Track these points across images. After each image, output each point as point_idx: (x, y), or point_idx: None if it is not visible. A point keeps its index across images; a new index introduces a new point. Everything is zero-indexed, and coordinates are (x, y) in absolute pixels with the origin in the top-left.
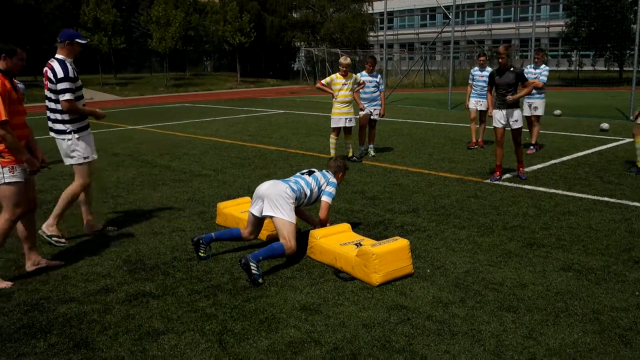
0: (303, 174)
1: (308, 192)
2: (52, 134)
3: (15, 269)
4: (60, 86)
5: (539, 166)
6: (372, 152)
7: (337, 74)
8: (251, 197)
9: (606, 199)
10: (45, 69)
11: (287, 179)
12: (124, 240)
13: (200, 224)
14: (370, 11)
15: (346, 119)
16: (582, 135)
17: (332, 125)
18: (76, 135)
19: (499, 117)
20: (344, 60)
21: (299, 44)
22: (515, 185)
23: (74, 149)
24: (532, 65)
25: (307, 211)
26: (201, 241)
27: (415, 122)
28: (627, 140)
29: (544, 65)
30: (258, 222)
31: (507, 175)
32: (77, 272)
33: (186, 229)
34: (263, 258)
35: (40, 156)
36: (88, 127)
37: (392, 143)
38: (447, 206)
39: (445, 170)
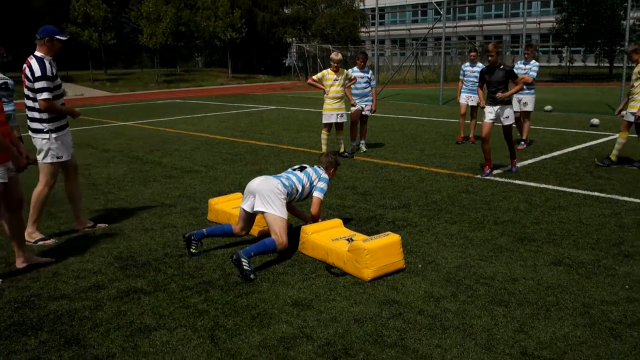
0: (295, 169)
1: (300, 188)
2: (29, 132)
3: (6, 266)
4: (38, 85)
5: (530, 161)
6: (363, 148)
7: (329, 69)
8: (242, 193)
9: (596, 193)
10: (24, 66)
11: (279, 174)
12: (115, 237)
13: (191, 220)
14: (361, 7)
15: (338, 114)
16: (573, 130)
17: (324, 121)
18: (54, 135)
19: (489, 111)
20: (335, 56)
21: (290, 39)
22: (506, 180)
23: (49, 147)
24: (522, 61)
25: (298, 207)
26: (192, 237)
27: (407, 117)
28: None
29: (533, 61)
30: (249, 217)
31: (498, 171)
32: (68, 269)
33: (177, 225)
34: (255, 254)
35: (24, 153)
36: (66, 126)
37: (384, 139)
38: (439, 201)
39: (436, 165)
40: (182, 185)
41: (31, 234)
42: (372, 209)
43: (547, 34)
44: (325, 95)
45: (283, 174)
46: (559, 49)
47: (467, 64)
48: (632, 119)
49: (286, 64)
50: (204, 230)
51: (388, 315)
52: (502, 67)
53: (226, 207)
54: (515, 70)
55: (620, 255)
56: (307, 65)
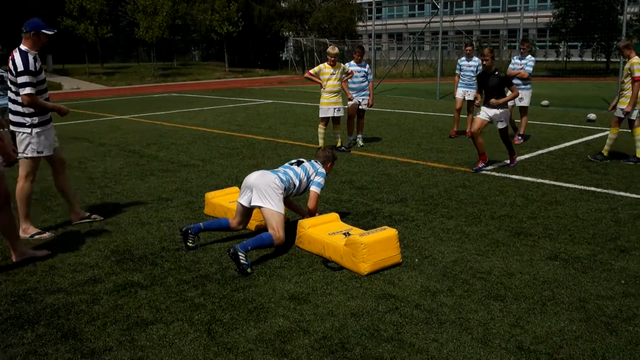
0: (292, 164)
1: (297, 183)
2: (11, 125)
3: (2, 259)
4: (20, 80)
5: (527, 156)
6: (360, 142)
7: (326, 63)
8: (239, 187)
9: (593, 188)
10: (9, 58)
11: (276, 169)
12: (111, 231)
13: (188, 214)
14: (358, 1)
15: (335, 108)
16: (570, 125)
17: (321, 115)
18: (36, 130)
19: (484, 111)
20: (332, 50)
21: (287, 33)
22: (503, 175)
23: (29, 141)
24: (518, 56)
25: (295, 201)
26: (189, 231)
27: (404, 112)
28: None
29: (529, 56)
30: (247, 212)
31: (495, 165)
32: (65, 262)
33: (174, 219)
34: (252, 248)
35: (10, 147)
36: (49, 121)
37: (381, 133)
38: (435, 196)
39: (433, 160)
40: (178, 179)
41: (26, 230)
42: (369, 203)
43: (544, 29)
44: (322, 89)
45: (280, 168)
46: (556, 43)
47: (463, 58)
48: (622, 114)
49: (283, 58)
50: (201, 224)
51: (384, 310)
52: (497, 72)
53: (223, 201)
54: (511, 66)
55: (616, 250)
56: (304, 59)
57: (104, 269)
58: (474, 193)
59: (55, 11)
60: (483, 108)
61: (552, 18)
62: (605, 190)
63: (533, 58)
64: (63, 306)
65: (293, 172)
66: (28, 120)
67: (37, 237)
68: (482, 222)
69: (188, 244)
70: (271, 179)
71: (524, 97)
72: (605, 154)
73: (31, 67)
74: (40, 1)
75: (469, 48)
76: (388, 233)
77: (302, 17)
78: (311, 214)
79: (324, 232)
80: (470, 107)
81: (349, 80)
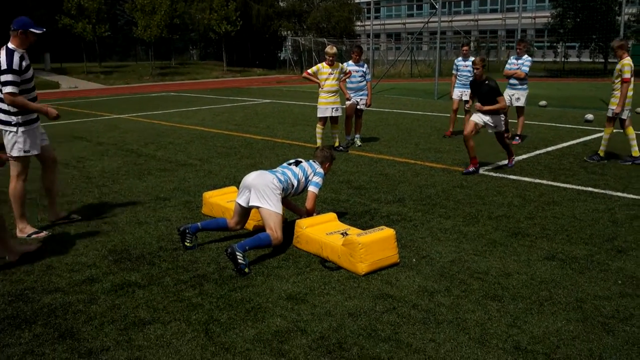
0: (290, 164)
1: (295, 183)
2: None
3: None
4: (3, 78)
5: (524, 156)
6: (358, 142)
7: (324, 63)
8: (237, 186)
9: (590, 189)
10: None
11: (274, 169)
12: (109, 230)
13: (186, 213)
14: (357, 0)
15: (333, 108)
16: (567, 126)
17: (319, 115)
18: (22, 128)
19: (478, 115)
20: (330, 49)
21: (285, 33)
22: (500, 175)
23: (16, 140)
24: (515, 56)
25: (293, 201)
26: (187, 231)
27: (402, 112)
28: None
29: (526, 56)
30: (245, 212)
31: (492, 166)
32: (62, 262)
33: (172, 218)
34: (249, 248)
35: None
36: (36, 120)
37: (379, 133)
38: (433, 196)
39: (431, 160)
40: (176, 179)
41: (23, 229)
42: (367, 203)
43: (542, 29)
44: (320, 89)
45: (278, 168)
46: (554, 44)
47: (460, 58)
48: (612, 114)
49: (281, 58)
50: (199, 223)
51: (382, 310)
52: (487, 82)
53: (221, 201)
54: (508, 66)
55: (614, 250)
56: (302, 59)
57: (101, 268)
58: (471, 193)
59: (53, 10)
60: (478, 113)
61: (550, 18)
62: (602, 191)
63: (529, 58)
64: (60, 306)
65: (291, 172)
66: (14, 119)
67: (34, 236)
68: (480, 222)
69: (186, 243)
70: (269, 179)
71: (521, 97)
72: (602, 154)
73: (15, 66)
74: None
75: (465, 48)
76: (386, 233)
77: (301, 17)
78: (309, 213)
79: (321, 232)
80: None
81: (347, 80)
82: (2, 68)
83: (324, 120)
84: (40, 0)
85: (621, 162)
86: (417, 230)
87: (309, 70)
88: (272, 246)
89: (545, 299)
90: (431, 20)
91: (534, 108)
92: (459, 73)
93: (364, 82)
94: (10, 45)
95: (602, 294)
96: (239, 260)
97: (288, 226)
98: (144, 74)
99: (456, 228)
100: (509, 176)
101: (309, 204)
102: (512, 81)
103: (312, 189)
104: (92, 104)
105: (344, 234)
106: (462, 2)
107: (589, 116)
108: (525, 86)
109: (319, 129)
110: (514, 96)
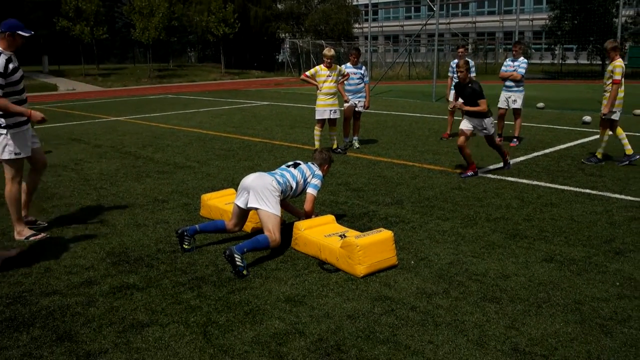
0: (289, 166)
1: (294, 185)
2: None
3: None
4: None
5: (522, 158)
6: (356, 144)
7: (322, 65)
8: (235, 189)
9: (588, 190)
10: None
11: (273, 171)
12: (107, 233)
13: (184, 215)
14: (354, 3)
15: (331, 110)
16: (565, 128)
17: (317, 117)
18: (11, 131)
19: (466, 120)
20: (328, 51)
21: (283, 35)
22: (498, 177)
23: (6, 143)
24: (511, 58)
25: (292, 203)
26: (185, 233)
27: (400, 114)
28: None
29: (522, 58)
30: (243, 214)
31: (490, 167)
32: (60, 264)
33: (170, 221)
34: (247, 250)
35: None
36: (26, 123)
37: (377, 135)
38: (431, 198)
39: (429, 162)
40: (174, 181)
41: (21, 232)
42: (365, 205)
43: (540, 31)
44: (318, 91)
45: (277, 170)
46: (552, 46)
47: (456, 60)
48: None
49: (279, 60)
50: (197, 226)
51: (380, 312)
52: (470, 84)
53: (219, 203)
54: (504, 68)
55: (611, 252)
56: (300, 61)
57: (99, 270)
58: (469, 195)
59: (51, 12)
60: (465, 117)
61: (547, 20)
62: (600, 193)
63: (526, 60)
64: (58, 308)
65: (290, 175)
66: (3, 121)
67: (32, 238)
68: (478, 224)
69: (184, 246)
70: (268, 181)
71: (517, 99)
72: (599, 156)
73: (0, 69)
74: (36, 2)
75: (461, 50)
76: (384, 235)
77: (299, 19)
78: (307, 216)
79: (320, 234)
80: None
81: (345, 82)
82: None
83: (322, 122)
84: (38, 3)
85: (618, 164)
86: (416, 232)
87: (307, 73)
88: (270, 248)
89: (543, 300)
90: (429, 22)
91: (531, 110)
92: (454, 75)
93: (362, 84)
94: None
95: (600, 296)
96: (237, 263)
97: (286, 228)
98: (142, 76)
99: (454, 230)
100: (507, 178)
101: (307, 206)
102: (508, 83)
103: (310, 191)
104: (90, 106)
105: (342, 236)
106: (460, 4)
107: (587, 118)
108: (521, 88)
109: (317, 131)
110: (511, 98)
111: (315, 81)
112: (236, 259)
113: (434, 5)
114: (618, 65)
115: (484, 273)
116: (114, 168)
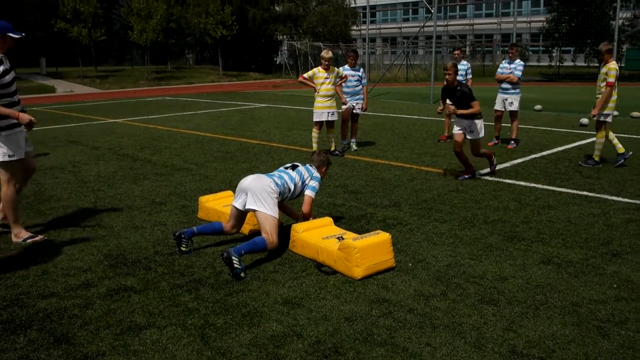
0: (287, 168)
1: (292, 187)
2: None
3: None
4: None
5: (520, 160)
6: (354, 146)
7: (320, 67)
8: (233, 191)
9: (585, 193)
10: None
11: (271, 173)
12: (104, 235)
13: (181, 218)
14: (352, 5)
15: (329, 112)
16: (562, 130)
17: (315, 119)
18: (4, 133)
19: (458, 123)
20: (326, 54)
21: (281, 37)
22: (496, 179)
23: (0, 145)
24: (507, 60)
25: (289, 205)
26: (183, 235)
27: (398, 116)
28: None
29: (518, 60)
30: (241, 215)
31: (488, 170)
32: (57, 266)
33: (168, 223)
34: (245, 252)
35: None
36: (19, 125)
37: (374, 137)
38: (429, 200)
39: (427, 164)
40: (172, 183)
41: (18, 234)
42: (363, 207)
43: (538, 34)
44: (316, 93)
45: (275, 172)
46: (549, 48)
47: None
48: (602, 118)
49: (277, 62)
50: (195, 228)
51: (378, 314)
52: (459, 87)
53: (217, 205)
54: (500, 70)
55: (609, 254)
56: (298, 63)
57: (97, 273)
58: (467, 197)
59: (48, 14)
60: (456, 120)
61: (545, 23)
62: (597, 195)
63: (522, 62)
64: (56, 311)
65: (288, 176)
66: None
67: (29, 240)
68: (476, 227)
69: (181, 248)
70: (266, 183)
71: (514, 101)
72: (597, 158)
73: None
74: (33, 4)
75: (456, 52)
76: (381, 237)
77: (297, 21)
78: (305, 217)
79: (317, 236)
80: None
81: (343, 84)
82: None
83: (320, 124)
84: (36, 4)
85: (615, 166)
86: (413, 234)
87: (305, 75)
88: (267, 250)
89: (540, 303)
90: (427, 24)
91: (529, 112)
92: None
93: (360, 87)
94: None
95: (598, 298)
96: (235, 265)
97: (284, 230)
98: (140, 78)
99: (452, 232)
100: (504, 180)
101: (305, 207)
102: (505, 85)
103: (308, 193)
104: (87, 108)
105: (340, 238)
106: (458, 7)
107: (584, 120)
108: (518, 90)
109: (315, 133)
110: (507, 100)
111: (313, 83)
112: (234, 261)
113: (431, 8)
114: (612, 67)
115: (482, 275)
116: (111, 170)
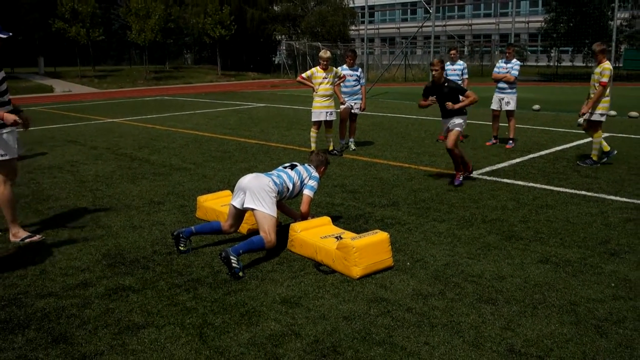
0: (285, 167)
1: (290, 186)
2: None
3: None
4: None
5: (518, 160)
6: (352, 146)
7: (318, 67)
8: (232, 190)
9: (583, 192)
10: None
11: (270, 172)
12: (103, 234)
13: (180, 217)
14: (351, 5)
15: (327, 112)
16: (560, 129)
17: (313, 119)
18: None
19: (444, 123)
20: (324, 53)
21: (280, 37)
22: (494, 178)
23: None
24: (504, 60)
25: (288, 204)
26: (181, 235)
27: (396, 116)
28: (604, 134)
29: (515, 60)
30: (239, 214)
31: (486, 169)
32: (56, 266)
33: (166, 222)
34: (243, 251)
35: None
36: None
37: (373, 137)
38: (427, 199)
39: (425, 164)
40: (170, 183)
41: (16, 234)
42: (361, 207)
43: (536, 34)
44: (314, 93)
45: (274, 172)
46: (548, 48)
47: (448, 62)
48: (598, 118)
49: (276, 62)
50: (193, 227)
51: (376, 313)
52: (446, 84)
53: (215, 205)
54: (496, 69)
55: (607, 253)
56: (296, 63)
57: (95, 272)
58: (465, 197)
59: (47, 13)
60: (443, 121)
61: (543, 23)
62: (595, 194)
63: (519, 62)
64: (54, 310)
65: (287, 176)
66: None
67: (27, 240)
68: (474, 226)
69: (180, 247)
70: (265, 182)
71: (511, 101)
72: (595, 158)
73: None
74: (32, 3)
75: (453, 52)
76: (380, 237)
77: (295, 21)
78: (304, 217)
79: (316, 235)
80: None
81: (341, 84)
82: None
83: (318, 124)
84: (34, 4)
85: (606, 160)
86: (411, 233)
87: (303, 75)
88: (265, 249)
89: (539, 302)
90: (425, 24)
91: (527, 112)
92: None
93: (359, 86)
94: None
95: (596, 297)
96: (233, 264)
97: (282, 230)
98: (138, 78)
99: (450, 231)
100: (502, 180)
101: (303, 207)
102: (501, 85)
103: (307, 192)
104: (86, 108)
105: (338, 237)
106: (456, 7)
107: (582, 120)
108: (514, 90)
109: (313, 133)
110: (504, 100)
111: (312, 83)
112: (232, 260)
113: (430, 8)
114: (607, 67)
115: (480, 274)
116: (109, 170)
